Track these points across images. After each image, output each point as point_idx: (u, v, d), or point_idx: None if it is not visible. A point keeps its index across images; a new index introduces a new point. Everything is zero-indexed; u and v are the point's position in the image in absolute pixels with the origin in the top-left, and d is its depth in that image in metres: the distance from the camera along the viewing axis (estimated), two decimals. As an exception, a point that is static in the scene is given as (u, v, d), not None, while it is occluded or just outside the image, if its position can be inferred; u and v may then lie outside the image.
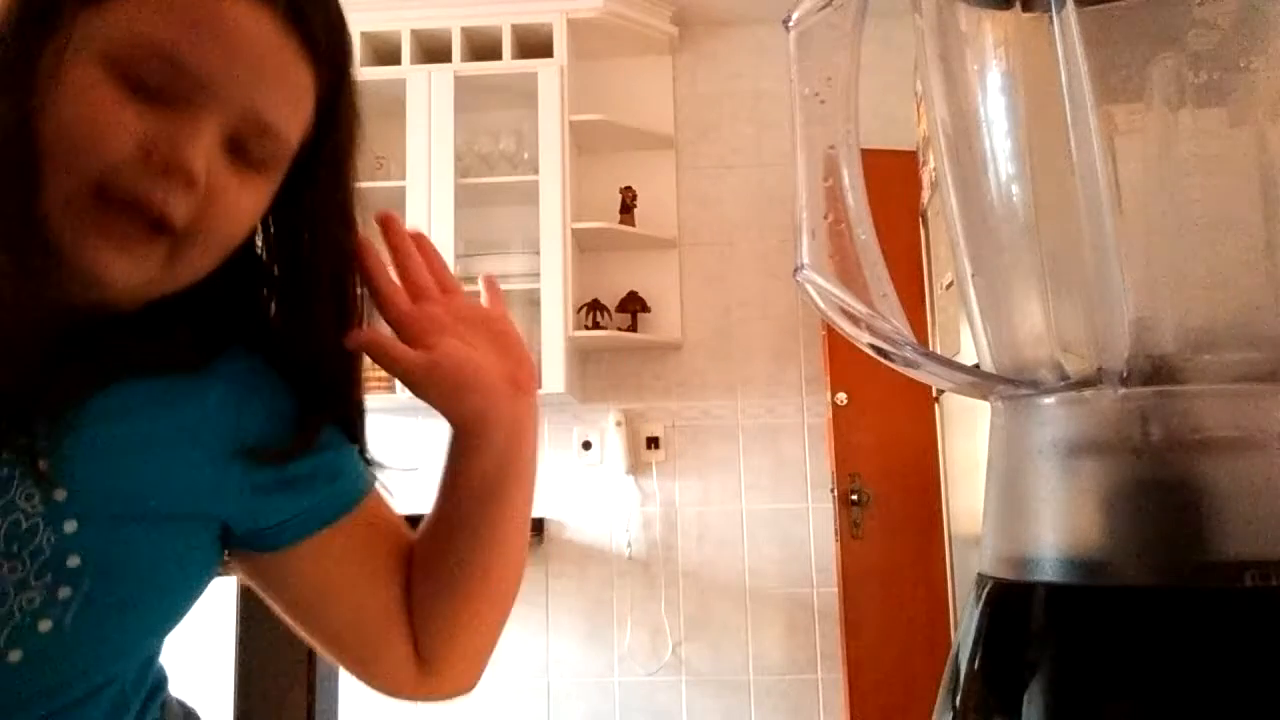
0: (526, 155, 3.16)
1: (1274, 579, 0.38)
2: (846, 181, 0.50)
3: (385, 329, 0.66)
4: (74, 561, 0.56)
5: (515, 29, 3.13)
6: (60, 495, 0.56)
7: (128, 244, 0.54)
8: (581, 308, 3.15)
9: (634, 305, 3.22)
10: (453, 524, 0.69)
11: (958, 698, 0.45)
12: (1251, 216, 0.45)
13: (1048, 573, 0.43)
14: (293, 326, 0.65)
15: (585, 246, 3.23)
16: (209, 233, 0.56)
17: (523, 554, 0.72)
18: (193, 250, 0.57)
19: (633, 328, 3.19)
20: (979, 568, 0.47)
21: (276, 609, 0.70)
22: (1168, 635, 0.40)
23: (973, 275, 0.51)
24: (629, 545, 3.19)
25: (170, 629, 0.64)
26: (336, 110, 0.62)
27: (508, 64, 3.12)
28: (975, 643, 0.46)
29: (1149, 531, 0.41)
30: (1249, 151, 0.46)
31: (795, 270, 0.50)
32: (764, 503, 3.23)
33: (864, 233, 0.49)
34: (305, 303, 0.65)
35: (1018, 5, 0.46)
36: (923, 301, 2.82)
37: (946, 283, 2.57)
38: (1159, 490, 0.41)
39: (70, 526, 0.56)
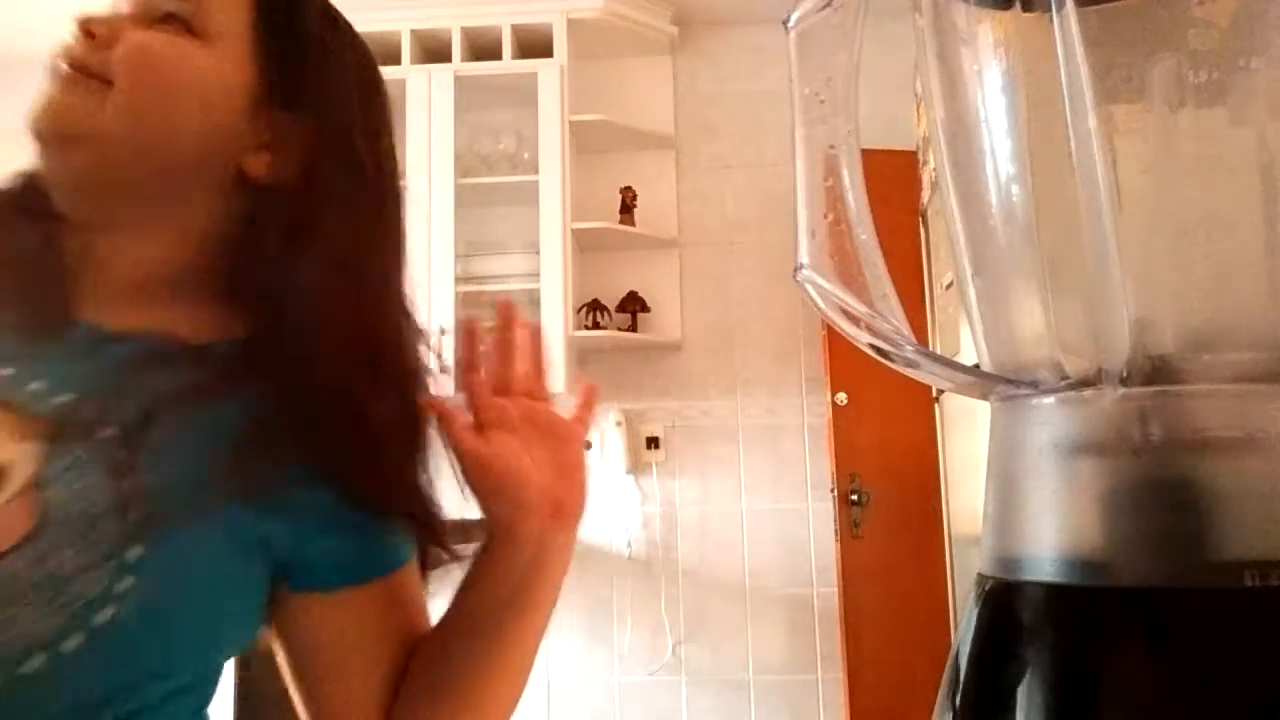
0: (526, 155, 3.16)
1: (1274, 579, 0.38)
2: (846, 181, 0.50)
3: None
4: (136, 552, 0.56)
5: (515, 29, 3.13)
6: (130, 485, 0.56)
7: (64, 83, 0.61)
8: (581, 308, 3.15)
9: (634, 305, 3.22)
10: (460, 623, 0.66)
11: (958, 698, 0.45)
12: (1251, 216, 0.45)
13: (1047, 573, 0.43)
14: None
15: (585, 246, 3.23)
16: (130, 70, 0.60)
17: (523, 676, 0.68)
18: (126, 86, 0.60)
19: (633, 328, 3.19)
20: (979, 568, 0.47)
21: (278, 655, 0.68)
22: (1168, 635, 0.40)
23: (973, 275, 0.51)
24: (629, 545, 3.19)
25: (227, 651, 0.63)
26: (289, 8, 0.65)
27: (508, 64, 3.12)
28: (975, 643, 0.46)
29: (1149, 531, 0.41)
30: (1249, 151, 0.46)
31: (795, 270, 0.50)
32: (764, 503, 3.23)
33: (864, 233, 0.49)
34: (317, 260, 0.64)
35: (1018, 5, 0.46)
36: (923, 301, 2.82)
37: (946, 283, 2.57)
38: (1159, 490, 0.41)
39: (136, 517, 0.56)
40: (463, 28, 3.14)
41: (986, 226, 0.49)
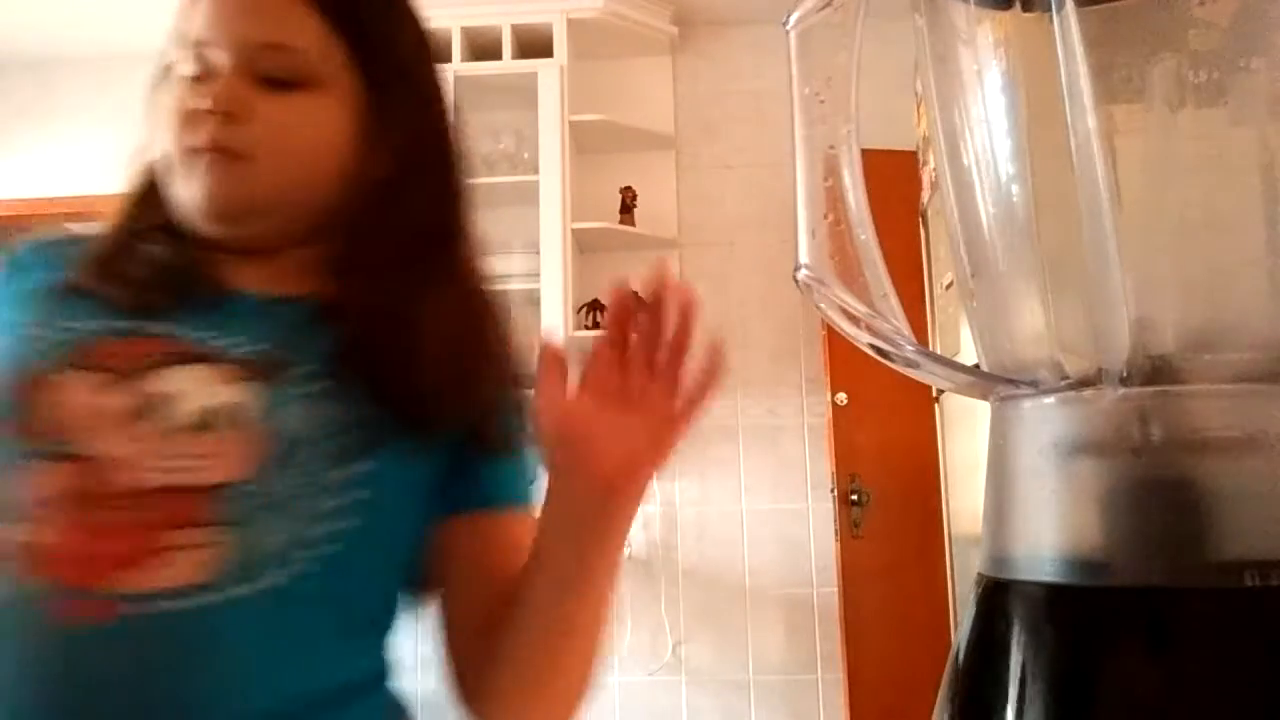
0: (526, 155, 3.16)
1: (1274, 579, 0.38)
2: (846, 181, 0.50)
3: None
4: (363, 468, 0.64)
5: (515, 29, 3.13)
6: (344, 412, 0.65)
7: (205, 168, 0.66)
8: (581, 308, 3.15)
9: (634, 305, 3.22)
10: (523, 587, 0.68)
11: (958, 698, 0.45)
12: (1251, 216, 0.45)
13: (1048, 573, 0.43)
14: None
15: (585, 246, 3.23)
16: (272, 148, 0.67)
17: (579, 655, 0.69)
18: (263, 165, 0.67)
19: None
20: (979, 568, 0.47)
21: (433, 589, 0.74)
22: (1167, 635, 0.40)
23: (972, 275, 0.51)
24: (629, 545, 3.18)
25: (405, 576, 0.70)
26: (364, 21, 0.71)
27: (508, 64, 3.12)
28: (975, 643, 0.46)
29: (1148, 531, 0.41)
30: (1249, 151, 0.46)
31: (795, 270, 0.50)
32: (764, 503, 3.23)
33: (864, 233, 0.49)
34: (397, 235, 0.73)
35: (1018, 5, 0.46)
36: (923, 301, 2.82)
37: (946, 283, 2.57)
38: (1159, 490, 0.41)
39: (360, 438, 0.64)
40: (463, 28, 3.14)
41: (986, 226, 0.49)
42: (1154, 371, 0.42)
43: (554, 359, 0.62)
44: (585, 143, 3.26)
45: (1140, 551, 0.41)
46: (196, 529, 0.59)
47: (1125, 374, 0.41)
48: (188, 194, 0.67)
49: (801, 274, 0.49)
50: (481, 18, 3.14)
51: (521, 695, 0.69)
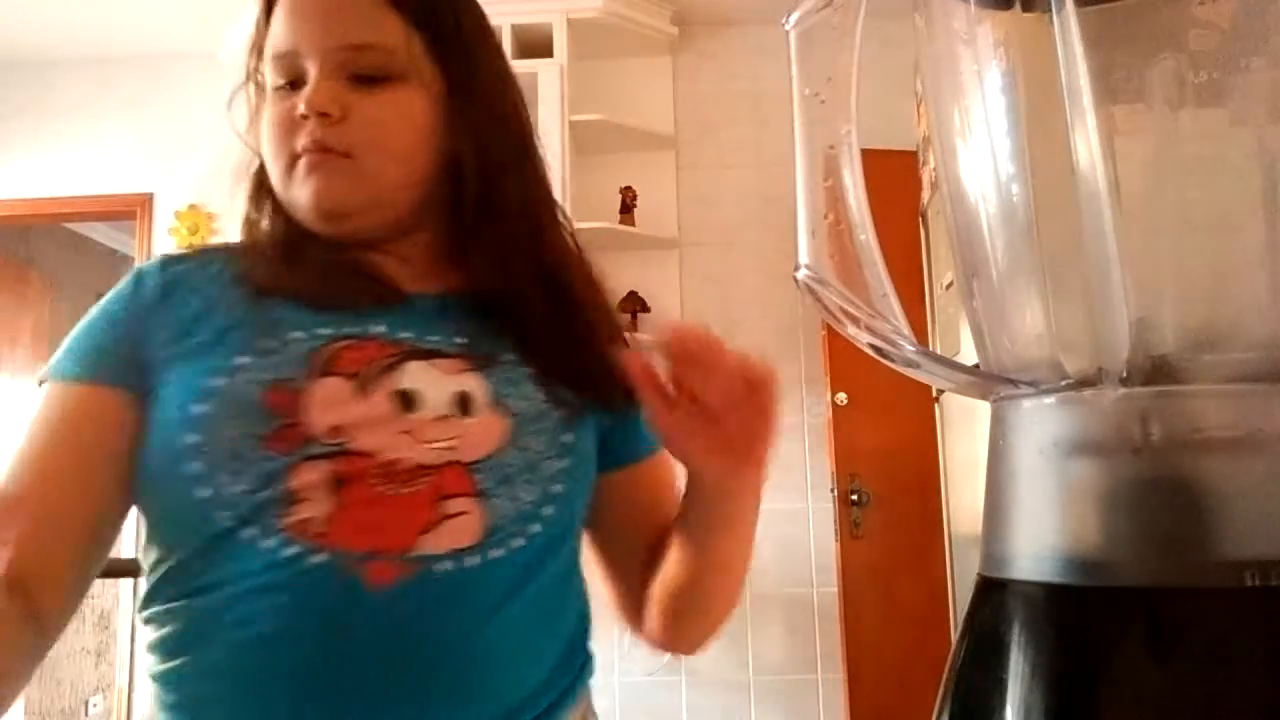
0: (526, 155, 3.16)
1: (1274, 579, 0.38)
2: (846, 181, 0.50)
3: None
4: (568, 438, 0.73)
5: (515, 29, 3.13)
6: (550, 391, 0.73)
7: (317, 170, 0.71)
8: (581, 308, 3.15)
9: (634, 305, 3.22)
10: (676, 538, 0.79)
11: (958, 698, 0.45)
12: (1251, 216, 0.45)
13: (1048, 572, 0.43)
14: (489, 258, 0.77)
15: (585, 246, 3.23)
16: (372, 144, 0.72)
17: (731, 587, 0.81)
18: (370, 160, 0.72)
19: (633, 328, 3.19)
20: (979, 568, 0.47)
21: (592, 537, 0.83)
22: (1168, 635, 0.40)
23: (972, 275, 0.51)
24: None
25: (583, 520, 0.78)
26: (436, 11, 0.75)
27: (508, 64, 3.12)
28: (975, 643, 0.46)
29: (1149, 531, 0.41)
30: (1249, 151, 0.46)
31: (795, 270, 0.50)
32: (764, 503, 3.22)
33: (864, 233, 0.49)
34: (494, 226, 0.77)
35: (1018, 5, 0.46)
36: (923, 301, 2.82)
37: (946, 283, 2.57)
38: (1159, 490, 0.41)
39: (562, 412, 0.73)
40: (463, 28, 3.14)
41: (986, 227, 0.49)
42: (1154, 371, 0.42)
43: (648, 377, 0.67)
44: (585, 143, 3.26)
45: (1140, 551, 0.41)
46: (463, 498, 0.67)
47: (1125, 374, 0.41)
48: (300, 196, 0.72)
49: (801, 274, 0.49)
50: (481, 18, 3.14)
51: (688, 616, 0.80)
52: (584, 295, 0.81)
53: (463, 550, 0.66)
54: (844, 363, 2.96)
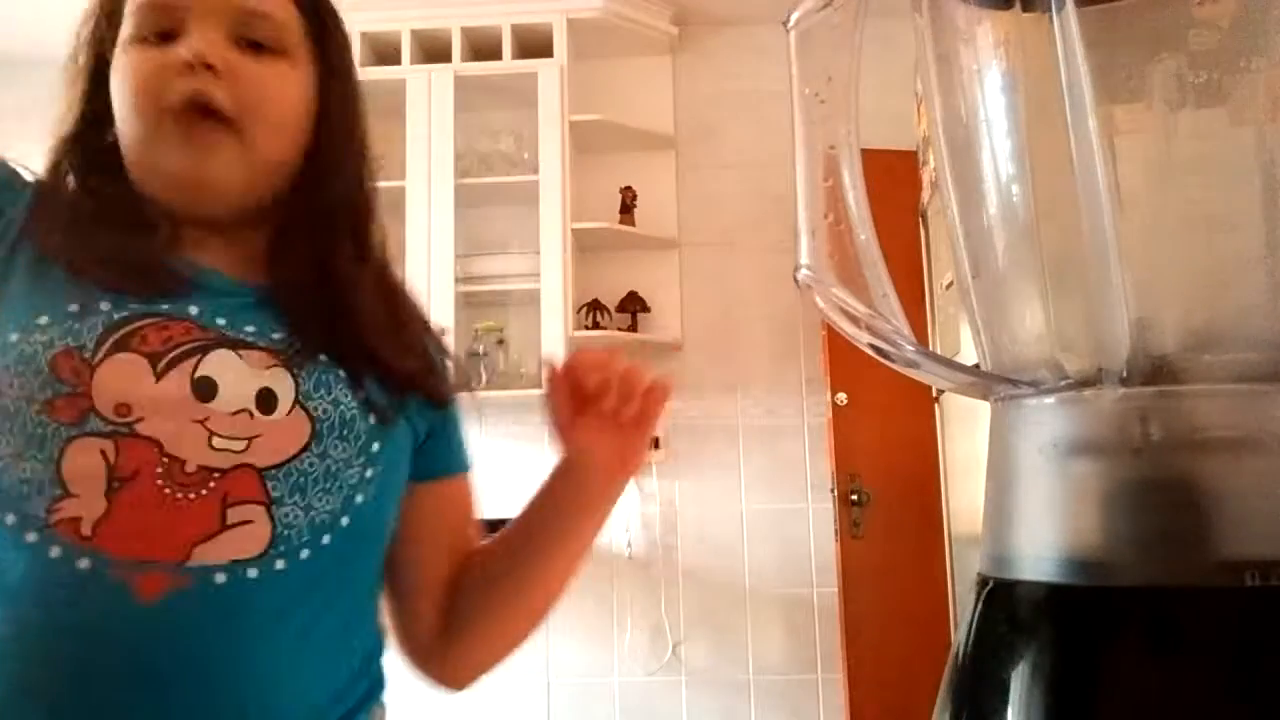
0: (526, 155, 3.16)
1: (1274, 579, 0.38)
2: (846, 181, 0.50)
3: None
4: (376, 446, 0.71)
5: (515, 29, 3.13)
6: (363, 395, 0.71)
7: (201, 141, 0.67)
8: (581, 308, 3.15)
9: (634, 305, 3.22)
10: (509, 538, 0.80)
11: (958, 698, 0.45)
12: (1251, 216, 0.45)
13: (1048, 572, 0.43)
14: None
15: (585, 246, 3.23)
16: (254, 108, 0.69)
17: (561, 589, 0.81)
18: (253, 129, 0.69)
19: (633, 328, 3.19)
20: (979, 568, 0.47)
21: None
22: (1168, 635, 0.40)
23: (972, 275, 0.51)
24: (629, 545, 3.19)
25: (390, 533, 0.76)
26: (316, 3, 0.75)
27: (508, 64, 3.12)
28: (975, 643, 0.46)
29: (1149, 531, 0.41)
30: (1249, 151, 0.46)
31: (795, 270, 0.50)
32: (764, 503, 3.23)
33: (864, 233, 0.49)
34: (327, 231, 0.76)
35: (1018, 5, 0.46)
36: (923, 301, 2.82)
37: (946, 283, 2.57)
38: (1159, 490, 0.41)
39: (372, 419, 0.70)
40: (463, 28, 3.14)
41: (986, 226, 0.49)
42: (1154, 371, 0.42)
43: (559, 381, 0.75)
44: (585, 143, 3.26)
45: (1140, 551, 0.41)
46: (251, 506, 0.64)
47: (1125, 374, 0.41)
48: (171, 161, 0.68)
49: (801, 274, 0.49)
50: (481, 18, 3.13)
51: (486, 641, 0.79)
52: (400, 299, 0.81)
53: (243, 561, 0.62)
54: (844, 363, 2.96)
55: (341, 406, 0.69)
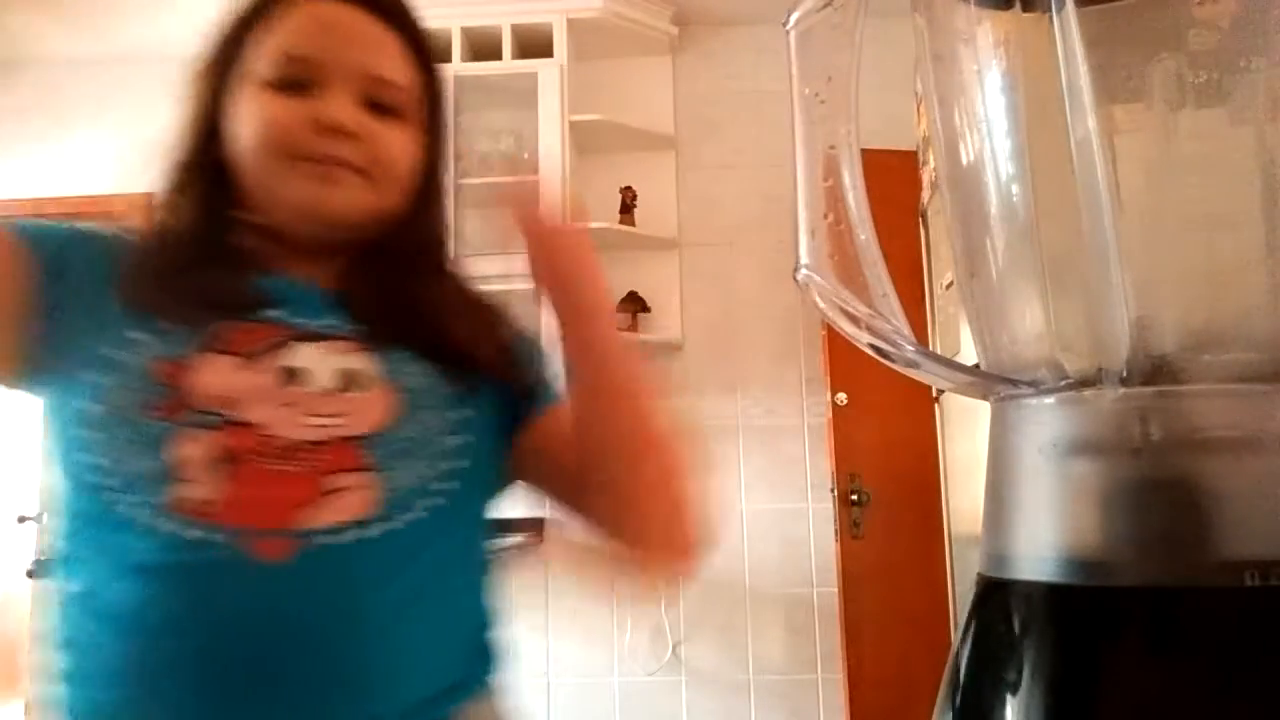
0: (526, 155, 3.16)
1: (1274, 579, 0.38)
2: (846, 181, 0.50)
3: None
4: (465, 414, 0.76)
5: (515, 29, 3.13)
6: (441, 368, 0.76)
7: (334, 180, 0.75)
8: (581, 308, 3.15)
9: (634, 305, 3.22)
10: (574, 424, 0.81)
11: (958, 698, 0.45)
12: (1251, 216, 0.45)
13: (1048, 572, 0.43)
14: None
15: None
16: (382, 164, 0.77)
17: (631, 420, 0.80)
18: (379, 179, 0.77)
19: (633, 328, 3.19)
20: (979, 568, 0.47)
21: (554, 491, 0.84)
22: (1168, 635, 0.40)
23: (972, 275, 0.51)
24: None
25: (493, 502, 0.82)
26: (434, 71, 0.84)
27: (508, 64, 3.12)
28: (975, 643, 0.46)
29: (1148, 531, 0.41)
30: (1249, 151, 0.46)
31: (795, 270, 0.50)
32: (764, 503, 3.23)
33: (864, 233, 0.49)
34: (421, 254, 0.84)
35: (1018, 5, 0.46)
36: (923, 301, 2.82)
37: (946, 283, 2.57)
38: (1159, 490, 0.41)
39: (455, 388, 0.76)
40: (463, 28, 3.13)
41: (986, 226, 0.49)
42: (1154, 371, 0.42)
43: (524, 195, 0.79)
44: (585, 143, 3.26)
45: (1140, 551, 0.41)
46: (351, 473, 0.69)
47: (1125, 374, 0.41)
48: (302, 195, 0.75)
49: (801, 274, 0.49)
50: (481, 18, 3.13)
51: (626, 502, 0.80)
52: (477, 295, 0.88)
53: (349, 524, 0.67)
54: (844, 363, 2.96)
55: (426, 377, 0.75)
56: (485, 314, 0.86)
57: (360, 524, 0.67)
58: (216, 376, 0.69)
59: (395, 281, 0.80)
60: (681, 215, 3.37)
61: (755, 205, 3.34)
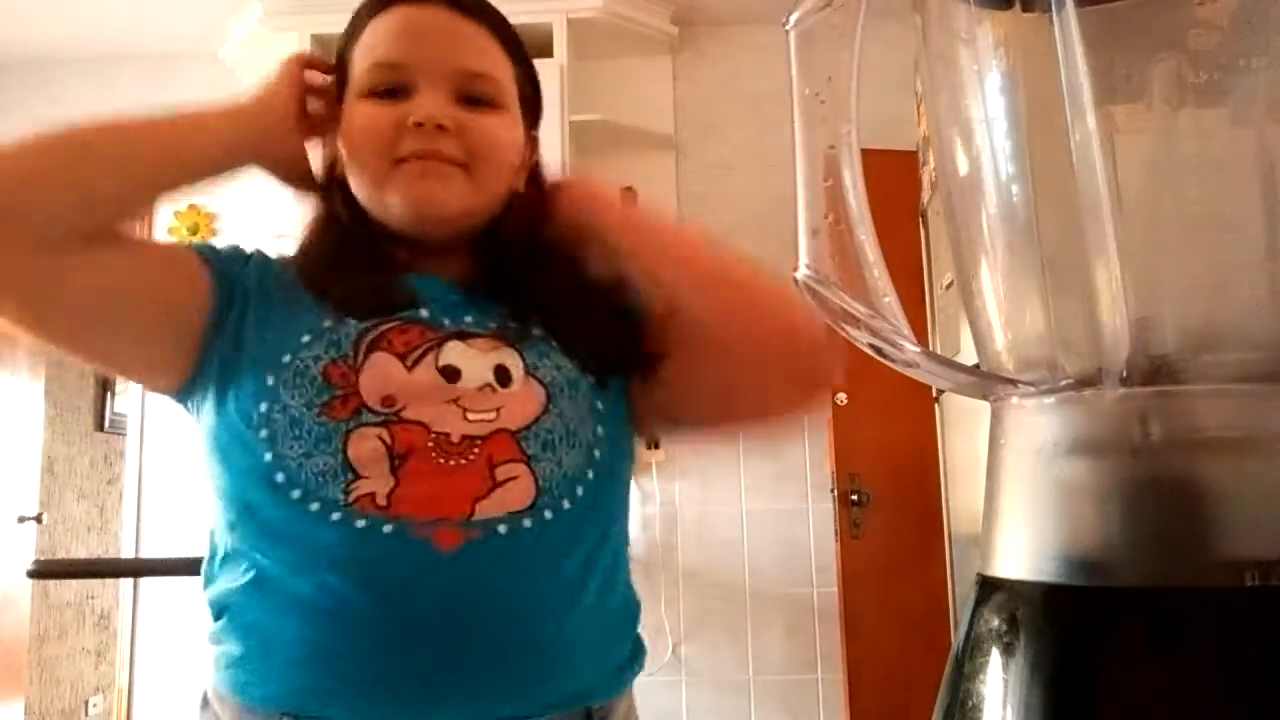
0: (526, 155, 3.16)
1: (1274, 579, 0.38)
2: (846, 181, 0.50)
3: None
4: (600, 404, 0.78)
5: (515, 29, 3.12)
6: (578, 361, 0.78)
7: (436, 174, 0.77)
8: (581, 308, 3.15)
9: (634, 305, 3.22)
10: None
11: (958, 698, 0.45)
12: (1251, 217, 0.45)
13: (1047, 573, 0.43)
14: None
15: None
16: (480, 154, 0.78)
17: (745, 278, 0.80)
18: (479, 168, 0.78)
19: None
20: (979, 568, 0.47)
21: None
22: (1167, 635, 0.40)
23: (972, 275, 0.51)
24: (629, 545, 3.19)
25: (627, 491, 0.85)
26: (527, 59, 0.88)
27: (508, 64, 3.12)
28: (975, 643, 0.46)
29: (1149, 531, 0.41)
30: (1249, 151, 0.46)
31: (795, 270, 0.50)
32: (764, 503, 3.23)
33: (864, 233, 0.49)
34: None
35: (1018, 5, 0.46)
36: (923, 301, 2.82)
37: (946, 283, 2.57)
38: (1159, 490, 0.41)
39: (591, 379, 0.78)
40: (463, 28, 3.13)
41: (986, 226, 0.49)
42: (1154, 371, 0.42)
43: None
44: (585, 143, 3.26)
45: (1139, 551, 0.41)
46: (514, 464, 0.72)
47: (1125, 374, 0.41)
48: (402, 198, 0.77)
49: (801, 274, 0.49)
50: (481, 18, 3.13)
51: (747, 342, 0.78)
52: (598, 278, 0.88)
53: (518, 512, 0.70)
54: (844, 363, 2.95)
55: (564, 370, 0.77)
56: (607, 298, 0.87)
57: (524, 513, 0.71)
58: (382, 376, 0.73)
59: (522, 274, 0.82)
60: (681, 215, 3.37)
61: (755, 205, 3.33)
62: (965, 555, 2.59)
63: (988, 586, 0.46)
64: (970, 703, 0.44)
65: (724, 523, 3.23)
